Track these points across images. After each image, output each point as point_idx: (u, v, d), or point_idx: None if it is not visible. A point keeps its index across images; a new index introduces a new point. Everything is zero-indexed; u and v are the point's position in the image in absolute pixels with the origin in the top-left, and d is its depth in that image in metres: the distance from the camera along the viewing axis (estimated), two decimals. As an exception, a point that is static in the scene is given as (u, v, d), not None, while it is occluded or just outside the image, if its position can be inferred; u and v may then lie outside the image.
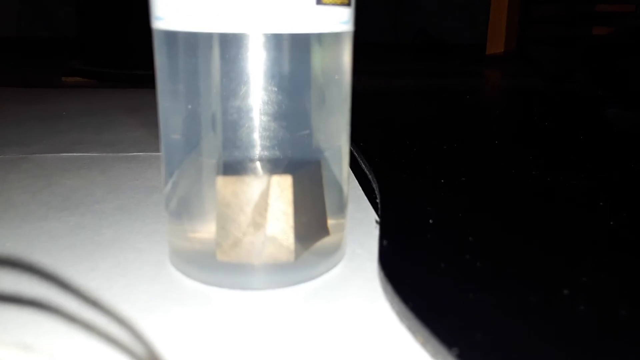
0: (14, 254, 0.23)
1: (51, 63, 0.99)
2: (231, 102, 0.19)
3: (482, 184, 0.30)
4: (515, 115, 0.58)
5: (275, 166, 0.20)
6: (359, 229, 0.26)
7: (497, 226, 0.25)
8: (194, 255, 0.21)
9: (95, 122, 0.50)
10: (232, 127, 0.19)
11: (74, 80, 0.79)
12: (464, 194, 0.28)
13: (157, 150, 0.40)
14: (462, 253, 0.21)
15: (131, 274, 0.22)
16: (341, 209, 0.23)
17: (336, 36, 0.20)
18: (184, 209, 0.22)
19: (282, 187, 0.20)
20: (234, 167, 0.20)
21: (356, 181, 0.33)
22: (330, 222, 0.22)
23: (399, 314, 0.18)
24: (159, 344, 0.17)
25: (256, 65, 0.19)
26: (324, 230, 0.22)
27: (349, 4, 0.20)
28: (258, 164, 0.20)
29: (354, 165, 0.35)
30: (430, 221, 0.24)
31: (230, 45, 0.19)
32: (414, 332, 0.17)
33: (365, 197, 0.30)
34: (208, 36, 0.19)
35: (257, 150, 0.20)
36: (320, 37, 0.20)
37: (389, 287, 0.19)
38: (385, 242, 0.22)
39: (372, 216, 0.28)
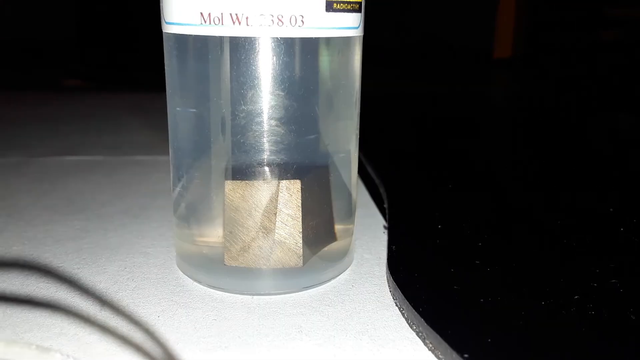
0: (23, 257, 0.23)
1: (51, 65, 0.99)
2: (240, 106, 0.19)
3: (491, 190, 0.30)
4: (523, 120, 0.58)
5: (283, 170, 0.20)
6: (368, 234, 0.26)
7: (506, 231, 0.24)
8: (201, 260, 0.21)
9: (97, 124, 0.50)
10: (241, 131, 0.19)
11: (74, 83, 0.79)
12: (472, 200, 0.28)
13: (161, 153, 0.40)
14: (472, 258, 0.21)
15: (139, 277, 0.21)
16: (349, 214, 0.23)
17: (345, 41, 0.20)
18: (192, 213, 0.21)
19: (290, 191, 0.20)
20: (242, 171, 0.20)
21: (364, 187, 0.32)
22: (339, 227, 0.22)
23: (408, 319, 0.18)
24: (169, 348, 0.17)
25: (266, 69, 0.19)
26: (331, 236, 0.22)
27: (359, 10, 0.20)
28: (267, 169, 0.20)
29: (362, 171, 0.35)
30: (439, 226, 0.24)
31: (240, 49, 0.19)
32: (424, 338, 0.17)
33: (374, 203, 0.30)
34: (218, 40, 0.19)
35: (266, 155, 0.20)
36: (329, 41, 0.20)
37: (398, 293, 0.19)
38: (393, 248, 0.22)
39: (380, 222, 0.27)
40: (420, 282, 0.19)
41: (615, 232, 0.24)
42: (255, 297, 0.20)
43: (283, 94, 0.19)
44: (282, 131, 0.20)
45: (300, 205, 0.20)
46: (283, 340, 0.17)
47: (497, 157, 0.38)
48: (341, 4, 0.19)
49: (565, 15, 1.21)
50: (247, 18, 0.18)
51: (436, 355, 0.16)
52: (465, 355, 0.15)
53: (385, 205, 0.28)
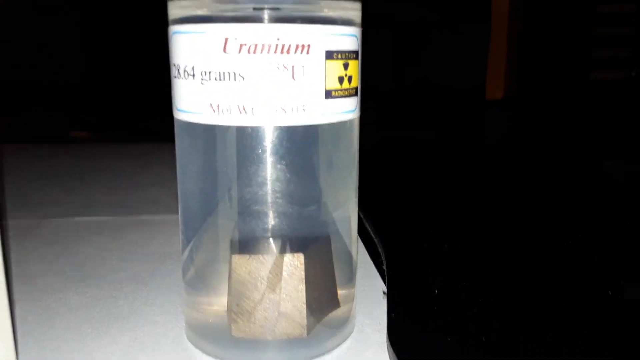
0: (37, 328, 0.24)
1: (60, 112, 1.02)
2: (246, 187, 0.20)
3: (486, 249, 0.31)
4: (516, 167, 0.60)
5: (287, 242, 0.21)
6: (367, 297, 0.27)
7: (502, 297, 0.25)
8: (209, 330, 0.22)
9: (106, 181, 0.52)
10: (246, 209, 0.21)
11: (82, 135, 0.81)
12: (467, 261, 0.29)
13: (169, 212, 0.41)
14: (468, 325, 0.22)
15: (149, 348, 0.22)
16: (351, 278, 0.24)
17: (344, 124, 0.22)
18: (199, 283, 0.23)
19: (294, 265, 0.21)
20: (248, 244, 0.21)
21: (362, 246, 0.34)
22: (341, 292, 0.23)
23: (408, 391, 0.19)
24: None
25: (270, 153, 0.20)
26: (334, 302, 0.23)
27: (355, 94, 0.22)
28: (271, 241, 0.21)
29: (360, 228, 0.36)
30: (436, 292, 0.25)
31: (246, 136, 0.20)
32: (423, 411, 0.18)
33: (372, 263, 0.31)
34: (225, 128, 0.20)
35: (270, 228, 0.21)
36: (329, 126, 0.21)
37: (399, 363, 0.20)
38: (393, 315, 0.23)
39: (379, 284, 0.28)
40: (418, 352, 0.20)
41: (609, 295, 0.25)
42: (261, 367, 0.21)
43: (286, 174, 0.21)
44: (286, 207, 0.21)
45: (303, 278, 0.21)
46: (289, 413, 0.18)
47: (492, 211, 0.40)
48: (339, 92, 0.21)
49: (556, 55, 1.25)
50: (252, 109, 0.20)
51: None
52: None
53: (384, 267, 0.29)
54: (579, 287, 0.26)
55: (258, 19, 0.19)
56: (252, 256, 0.21)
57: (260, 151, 0.20)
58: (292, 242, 0.21)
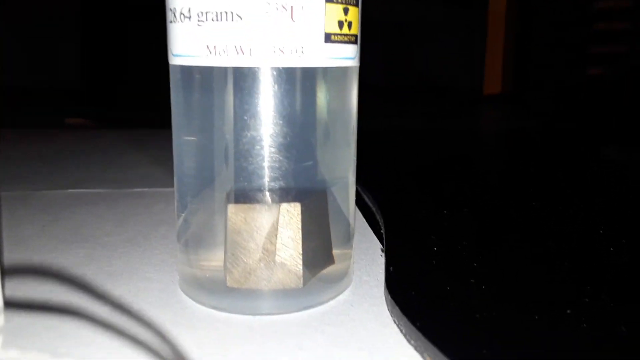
0: (35, 266, 0.23)
1: (54, 107, 1.01)
2: (243, 133, 0.20)
3: (484, 215, 0.31)
4: (513, 153, 0.60)
5: (284, 195, 0.21)
6: (365, 258, 0.27)
7: (500, 253, 0.25)
8: (204, 283, 0.22)
9: (100, 160, 0.51)
10: (243, 158, 0.20)
11: (76, 122, 0.81)
12: (466, 224, 0.29)
13: (163, 186, 0.40)
14: (467, 277, 0.22)
15: (142, 300, 0.22)
16: (348, 239, 0.23)
17: (343, 71, 0.21)
18: (196, 239, 0.22)
19: (291, 214, 0.21)
20: (244, 196, 0.21)
21: (361, 215, 0.33)
22: (337, 251, 0.23)
23: (406, 334, 0.19)
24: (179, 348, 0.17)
25: (268, 97, 0.20)
26: (330, 259, 0.22)
27: (355, 42, 0.21)
28: (267, 193, 0.21)
29: (359, 200, 0.36)
30: (435, 249, 0.25)
31: (243, 78, 0.20)
32: (422, 352, 0.18)
33: (370, 229, 0.31)
34: (222, 70, 0.20)
35: (267, 181, 0.21)
36: (327, 71, 0.21)
37: (396, 310, 0.19)
38: (391, 269, 0.23)
39: (377, 246, 0.28)
40: (417, 300, 0.20)
41: (606, 253, 0.25)
42: (257, 317, 0.21)
43: (283, 122, 0.20)
44: (282, 158, 0.20)
45: (300, 227, 0.21)
46: (285, 358, 0.18)
47: (489, 187, 0.39)
48: (338, 36, 0.21)
49: (553, 52, 1.25)
50: (250, 49, 0.19)
51: (434, 369, 0.17)
52: (462, 367, 0.16)
53: (382, 230, 0.29)
54: (572, 238, 0.26)
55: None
56: (249, 205, 0.21)
57: (257, 94, 0.20)
58: (288, 192, 0.21)
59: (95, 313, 0.20)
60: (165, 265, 0.26)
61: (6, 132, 0.67)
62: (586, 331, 0.18)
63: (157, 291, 0.23)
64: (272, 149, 0.20)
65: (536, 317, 0.18)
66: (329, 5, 0.20)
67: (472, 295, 0.20)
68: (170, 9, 0.21)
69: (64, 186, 0.40)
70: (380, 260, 0.26)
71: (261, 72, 0.20)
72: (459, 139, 0.71)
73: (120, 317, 0.20)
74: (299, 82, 0.20)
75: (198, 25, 0.20)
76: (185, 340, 0.19)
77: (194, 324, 0.20)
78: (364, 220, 0.32)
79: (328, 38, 0.20)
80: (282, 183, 0.21)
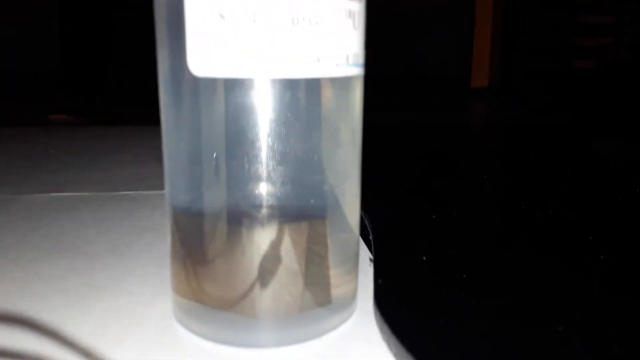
0: (6, 307, 0.23)
1: (37, 98, 0.99)
2: (240, 147, 0.18)
3: (473, 220, 0.31)
4: (501, 149, 0.59)
5: (284, 216, 0.19)
6: (353, 267, 0.26)
7: (490, 263, 0.25)
8: (195, 307, 0.20)
9: (84, 160, 0.50)
10: (239, 174, 0.19)
11: (60, 118, 0.80)
12: (455, 231, 0.29)
13: (148, 188, 0.40)
14: (458, 291, 0.21)
15: (125, 319, 0.21)
16: (353, 262, 0.22)
17: (360, 78, 0.20)
18: (188, 260, 0.20)
19: (293, 239, 0.19)
20: (241, 215, 0.19)
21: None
22: (341, 273, 0.21)
23: (396, 355, 0.18)
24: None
25: (266, 110, 0.18)
26: (329, 284, 0.21)
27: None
28: (265, 213, 0.19)
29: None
30: (424, 258, 0.24)
31: (241, 89, 0.18)
32: (412, 374, 0.17)
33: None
34: (218, 80, 0.18)
35: (265, 199, 0.19)
36: (329, 80, 0.19)
37: (385, 327, 0.19)
38: (380, 281, 0.22)
39: (365, 252, 0.28)
40: (406, 316, 0.20)
41: (597, 261, 0.25)
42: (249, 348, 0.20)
43: (283, 134, 0.19)
44: (282, 173, 0.19)
45: (327, 243, 0.20)
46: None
47: (478, 187, 0.39)
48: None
49: (540, 43, 1.25)
50: (318, 58, 0.18)
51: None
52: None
53: (371, 237, 0.29)
54: (565, 246, 0.25)
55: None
56: (248, 227, 0.19)
57: (255, 107, 0.18)
58: (288, 214, 0.20)
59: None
60: (150, 277, 0.25)
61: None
62: (580, 349, 0.18)
63: (140, 307, 0.22)
64: (271, 163, 0.18)
65: (529, 335, 0.18)
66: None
67: (463, 311, 0.20)
68: (211, 8, 0.17)
69: (47, 189, 0.39)
70: (369, 270, 0.26)
71: (259, 83, 0.18)
72: (447, 134, 0.71)
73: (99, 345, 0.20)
74: (298, 94, 0.18)
75: (265, 31, 0.17)
76: (169, 361, 0.18)
77: (180, 349, 0.20)
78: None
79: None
80: (282, 202, 0.19)
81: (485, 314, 0.20)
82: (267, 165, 0.19)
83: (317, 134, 0.19)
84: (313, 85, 0.18)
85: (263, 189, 0.19)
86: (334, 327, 0.21)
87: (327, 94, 0.19)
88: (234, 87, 0.18)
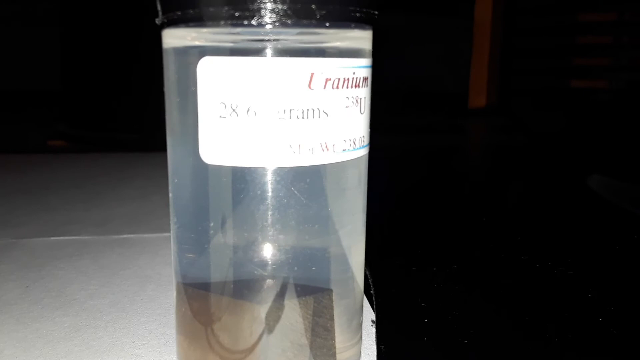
0: (10, 366, 0.23)
1: (36, 119, 1.00)
2: (246, 226, 0.19)
3: (473, 272, 0.31)
4: (500, 182, 0.60)
5: (290, 290, 0.19)
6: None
7: (496, 327, 0.25)
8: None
9: (84, 195, 0.50)
10: (245, 251, 0.19)
11: (59, 144, 0.80)
12: (456, 285, 0.29)
13: (148, 230, 0.40)
14: (459, 356, 0.22)
15: (130, 386, 0.21)
16: (357, 323, 0.22)
17: (354, 161, 0.20)
18: (194, 332, 0.20)
19: (300, 314, 0.20)
20: (247, 290, 0.19)
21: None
22: (345, 339, 0.21)
23: None
24: None
25: (272, 192, 0.18)
26: (334, 354, 0.21)
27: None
28: (272, 287, 0.19)
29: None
30: (425, 320, 0.25)
31: (249, 174, 0.18)
32: None
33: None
34: (228, 168, 0.18)
35: (271, 275, 0.19)
36: (335, 164, 0.19)
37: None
38: (382, 347, 0.23)
39: (367, 310, 0.28)
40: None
41: (597, 322, 0.25)
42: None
43: (291, 213, 0.19)
44: (287, 247, 0.19)
45: (333, 315, 0.20)
46: None
47: (477, 231, 0.39)
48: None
49: (537, 62, 1.26)
50: (333, 145, 0.18)
51: None
52: None
53: (372, 291, 0.29)
54: (571, 300, 0.26)
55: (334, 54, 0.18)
56: (275, 303, 0.19)
57: (265, 193, 0.18)
58: (310, 284, 0.20)
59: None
60: (153, 338, 0.25)
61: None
62: None
63: (145, 373, 0.22)
64: (279, 237, 0.19)
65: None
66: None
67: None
68: (224, 103, 0.18)
69: (47, 232, 0.39)
70: (371, 329, 0.26)
71: (267, 172, 0.18)
72: (446, 161, 0.71)
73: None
74: (305, 178, 0.19)
75: (278, 123, 0.18)
76: None
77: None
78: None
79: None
80: (290, 274, 0.19)
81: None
82: (274, 243, 0.19)
83: (323, 212, 0.19)
84: (319, 170, 0.19)
85: (269, 265, 0.19)
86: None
87: (333, 176, 0.19)
88: (243, 173, 0.18)
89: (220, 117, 0.18)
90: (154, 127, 0.78)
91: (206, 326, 0.20)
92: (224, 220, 0.19)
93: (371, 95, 0.21)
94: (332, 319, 0.20)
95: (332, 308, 0.20)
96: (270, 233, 0.19)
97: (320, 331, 0.20)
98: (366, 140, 0.20)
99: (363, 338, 0.25)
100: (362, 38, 0.20)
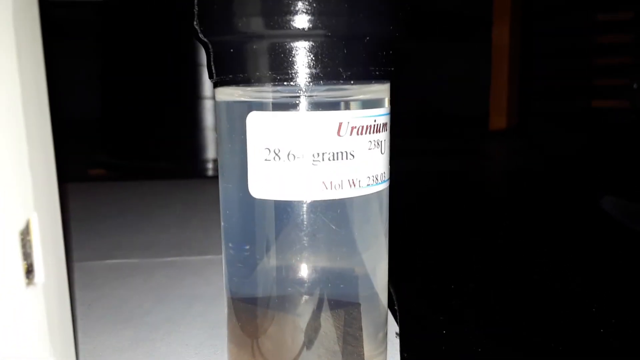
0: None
1: (76, 149, 1.05)
2: (288, 250, 0.23)
3: (487, 290, 0.34)
4: (516, 205, 0.62)
5: (325, 305, 0.23)
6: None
7: (515, 336, 0.28)
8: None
9: (129, 222, 0.55)
10: (287, 271, 0.23)
11: (99, 173, 0.85)
12: (471, 302, 0.32)
13: (192, 254, 0.44)
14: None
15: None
16: (383, 334, 0.26)
17: (377, 194, 0.24)
18: (243, 340, 0.24)
19: (332, 325, 0.23)
20: (288, 305, 0.23)
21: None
22: (372, 348, 0.25)
23: None
24: None
25: (309, 221, 0.22)
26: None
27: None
28: (309, 303, 0.23)
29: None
30: (444, 332, 0.28)
31: (290, 207, 0.22)
32: None
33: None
34: (272, 202, 0.22)
35: (308, 291, 0.23)
36: (360, 197, 0.23)
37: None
38: (405, 355, 0.26)
39: (392, 324, 0.31)
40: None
41: (603, 337, 0.28)
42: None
43: (324, 240, 0.23)
44: (320, 272, 0.23)
45: (361, 326, 0.24)
46: None
47: (494, 251, 0.42)
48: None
49: (557, 85, 1.28)
50: (359, 181, 0.22)
51: None
52: None
53: (396, 307, 0.32)
54: (583, 321, 0.29)
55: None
56: (315, 316, 0.23)
57: (305, 222, 0.22)
58: (341, 299, 0.24)
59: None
60: (204, 348, 0.29)
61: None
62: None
63: (199, 378, 0.26)
64: (314, 263, 0.23)
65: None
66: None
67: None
68: (269, 148, 0.22)
69: (101, 256, 0.44)
70: (395, 340, 0.29)
71: (306, 204, 0.22)
72: (466, 184, 0.74)
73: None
74: (339, 210, 0.23)
75: (313, 164, 0.22)
76: None
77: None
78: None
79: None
80: (325, 292, 0.23)
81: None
82: (310, 264, 0.23)
83: (351, 238, 0.23)
84: (346, 202, 0.22)
85: (308, 283, 0.23)
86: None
87: (359, 207, 0.23)
88: (284, 205, 0.22)
89: (265, 160, 0.22)
90: (189, 156, 0.83)
91: (253, 335, 0.24)
92: (268, 245, 0.23)
93: (393, 118, 0.25)
94: (360, 329, 0.24)
95: (360, 320, 0.24)
96: (306, 255, 0.23)
97: (350, 340, 0.24)
98: (387, 176, 0.24)
99: (388, 348, 0.29)
100: (381, 90, 0.23)
